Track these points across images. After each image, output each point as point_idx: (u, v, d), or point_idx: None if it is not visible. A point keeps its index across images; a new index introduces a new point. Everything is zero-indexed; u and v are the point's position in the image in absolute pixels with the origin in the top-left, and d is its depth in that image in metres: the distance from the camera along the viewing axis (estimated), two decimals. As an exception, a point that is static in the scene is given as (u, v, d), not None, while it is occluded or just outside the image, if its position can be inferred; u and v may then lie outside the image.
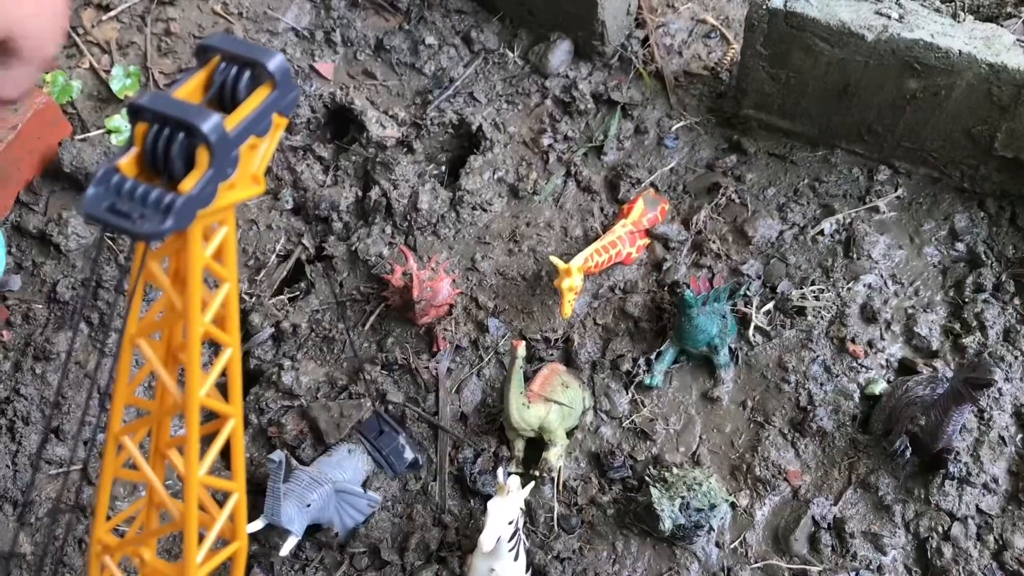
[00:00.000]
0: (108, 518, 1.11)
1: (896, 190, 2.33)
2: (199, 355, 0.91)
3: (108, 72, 2.57)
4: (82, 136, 2.46)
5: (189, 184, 0.83)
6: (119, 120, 2.49)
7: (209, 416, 1.01)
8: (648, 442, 2.07)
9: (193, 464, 0.96)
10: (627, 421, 2.10)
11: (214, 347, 2.03)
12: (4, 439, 2.09)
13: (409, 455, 2.05)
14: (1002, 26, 2.15)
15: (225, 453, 1.04)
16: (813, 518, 1.95)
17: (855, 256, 2.24)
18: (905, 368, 2.12)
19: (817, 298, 2.19)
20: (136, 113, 0.85)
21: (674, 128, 2.51)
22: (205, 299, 0.93)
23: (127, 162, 0.85)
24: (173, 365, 0.99)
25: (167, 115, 0.83)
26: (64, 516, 1.99)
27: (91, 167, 2.36)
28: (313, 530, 1.97)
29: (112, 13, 2.64)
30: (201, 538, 1.03)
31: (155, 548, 1.07)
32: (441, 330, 2.18)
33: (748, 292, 2.21)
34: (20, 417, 2.10)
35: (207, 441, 1.01)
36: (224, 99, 0.90)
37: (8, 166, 2.32)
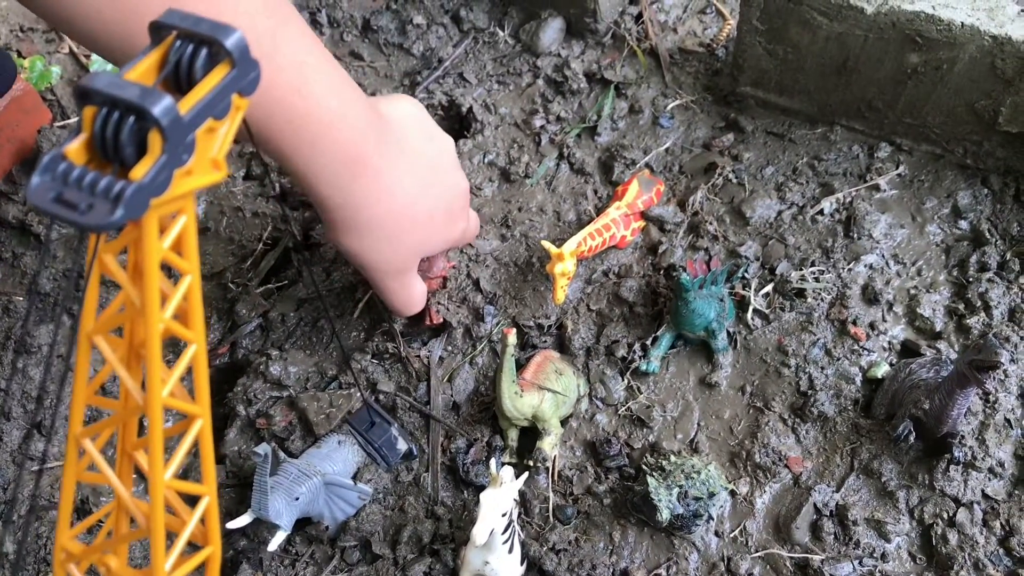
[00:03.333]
0: (90, 514, 1.06)
1: (897, 167, 2.27)
2: (159, 353, 0.86)
3: (88, 57, 2.51)
4: (62, 123, 2.40)
5: (141, 171, 0.77)
6: (100, 106, 2.44)
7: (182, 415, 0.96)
8: (645, 429, 2.02)
9: (158, 467, 0.91)
10: (623, 408, 2.05)
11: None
12: (-15, 435, 2.04)
13: (403, 446, 2.00)
14: (1006, -4, 2.08)
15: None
16: (815, 505, 1.90)
17: (856, 236, 2.18)
18: (908, 350, 2.06)
19: (817, 279, 2.14)
20: (84, 96, 0.79)
21: (669, 107, 2.45)
22: (167, 293, 0.88)
23: (75, 148, 0.80)
24: (136, 363, 0.94)
25: (116, 97, 0.77)
26: (47, 513, 1.95)
27: (71, 155, 2.30)
28: (302, 524, 1.92)
29: (92, -4, 2.58)
30: (173, 543, 0.98)
31: (125, 555, 1.02)
32: (435, 303, 2.12)
33: (746, 274, 2.16)
34: (1, 413, 2.05)
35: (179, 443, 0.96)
36: (180, 80, 0.85)
37: (-14, 155, 2.27)
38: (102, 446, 0.96)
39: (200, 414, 0.93)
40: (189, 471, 1.99)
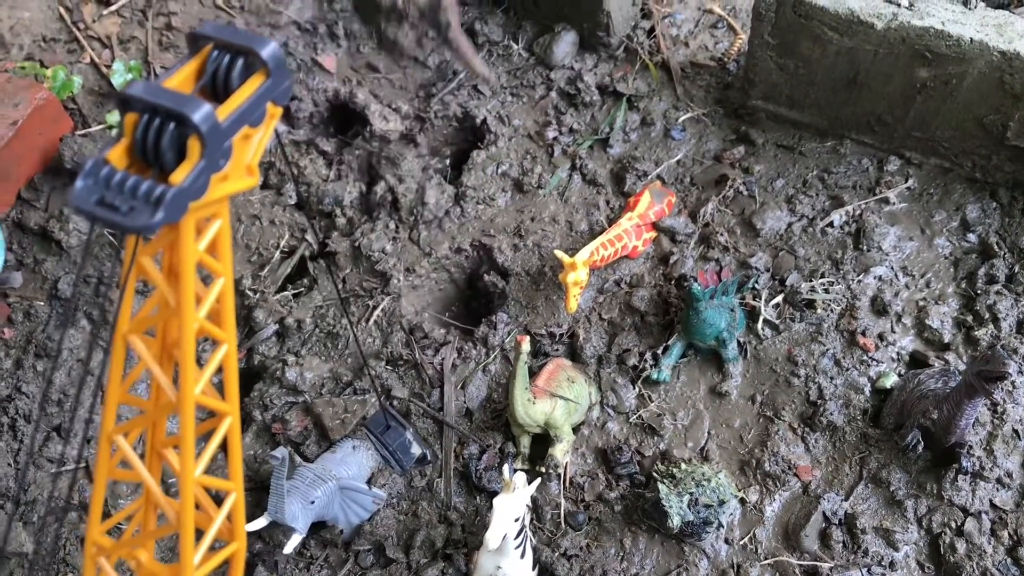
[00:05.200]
0: (109, 517, 1.09)
1: (906, 181, 2.30)
2: (193, 352, 0.89)
3: (109, 67, 2.54)
4: (83, 131, 2.43)
5: (180, 176, 0.81)
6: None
7: (208, 414, 0.98)
8: (656, 437, 2.05)
9: (189, 464, 0.93)
10: (634, 416, 2.07)
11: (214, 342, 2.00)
12: (6, 437, 2.07)
13: (416, 450, 2.02)
14: (1014, 13, 2.11)
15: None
16: (824, 514, 1.92)
17: (865, 248, 2.21)
18: (916, 361, 2.09)
19: (827, 291, 2.16)
20: (125, 103, 0.83)
21: (681, 119, 2.48)
22: (200, 294, 0.91)
23: (117, 153, 0.83)
24: (168, 362, 0.97)
25: (157, 105, 0.81)
26: (65, 514, 1.97)
27: (92, 163, 2.33)
28: (317, 527, 1.94)
29: (113, 7, 2.62)
30: (199, 539, 1.01)
31: (152, 550, 1.04)
32: None
33: (757, 285, 2.18)
34: (22, 415, 2.09)
35: (207, 440, 0.99)
36: (217, 88, 0.88)
37: (9, 163, 2.30)
38: (131, 444, 0.99)
39: (230, 412, 0.96)
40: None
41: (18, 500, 2.00)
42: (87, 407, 2.02)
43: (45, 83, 2.45)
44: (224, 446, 1.01)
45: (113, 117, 2.47)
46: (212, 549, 1.04)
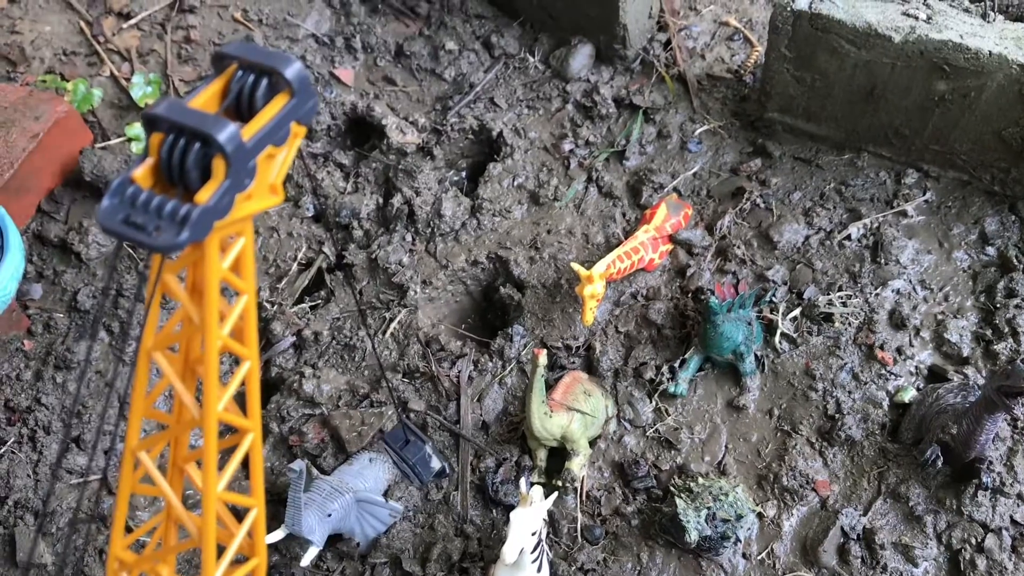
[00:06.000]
0: (129, 531, 1.09)
1: (924, 194, 2.29)
2: (217, 369, 0.90)
3: (128, 80, 2.57)
4: (102, 144, 2.46)
5: (205, 195, 0.81)
6: (139, 128, 2.49)
7: (228, 429, 0.99)
8: (673, 451, 2.04)
9: (211, 480, 0.94)
10: (651, 430, 2.07)
11: (234, 357, 2.01)
12: (26, 448, 2.08)
13: (436, 464, 2.02)
14: (1033, 26, 2.11)
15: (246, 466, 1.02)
16: (842, 529, 1.91)
17: (883, 261, 2.20)
18: (935, 375, 2.07)
19: (844, 304, 2.15)
20: (151, 123, 0.83)
21: (697, 132, 2.48)
22: (223, 311, 0.92)
23: (142, 173, 0.84)
24: (191, 378, 0.97)
25: (183, 125, 0.82)
26: (84, 526, 1.98)
27: (111, 175, 2.36)
28: (334, 540, 1.95)
29: (133, 21, 2.65)
30: (220, 553, 1.01)
31: (174, 565, 1.05)
32: None
33: (774, 298, 2.18)
34: (41, 426, 2.10)
35: (228, 455, 0.99)
36: (241, 108, 0.88)
37: (30, 175, 2.32)
38: (154, 459, 1.00)
39: (252, 428, 0.97)
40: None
41: (37, 511, 2.01)
42: (105, 419, 2.03)
43: (66, 96, 2.48)
44: (245, 462, 1.02)
45: (132, 130, 2.49)
46: (233, 564, 1.05)
